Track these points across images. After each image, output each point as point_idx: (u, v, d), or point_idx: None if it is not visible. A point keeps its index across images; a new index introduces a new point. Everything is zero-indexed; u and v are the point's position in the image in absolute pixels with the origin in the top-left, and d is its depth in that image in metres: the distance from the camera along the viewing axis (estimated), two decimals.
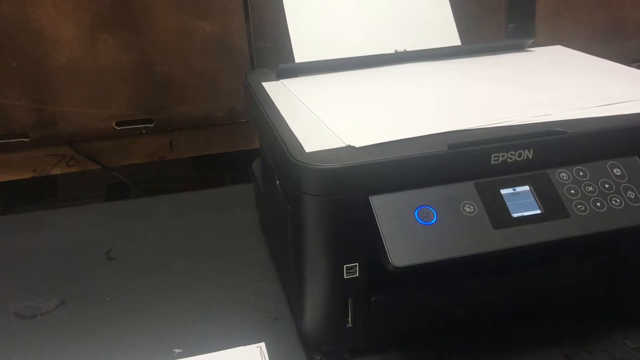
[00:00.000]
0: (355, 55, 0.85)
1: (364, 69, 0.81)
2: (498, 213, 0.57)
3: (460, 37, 0.92)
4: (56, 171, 1.11)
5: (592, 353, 0.65)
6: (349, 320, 0.63)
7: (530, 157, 0.59)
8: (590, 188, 0.60)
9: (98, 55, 1.03)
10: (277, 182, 0.66)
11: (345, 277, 0.59)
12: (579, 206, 0.59)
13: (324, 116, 0.65)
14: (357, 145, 0.57)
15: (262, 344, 0.69)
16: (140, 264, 0.88)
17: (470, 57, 0.85)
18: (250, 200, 1.00)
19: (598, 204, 0.59)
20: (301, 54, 0.84)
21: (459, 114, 0.64)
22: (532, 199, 0.58)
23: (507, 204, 0.58)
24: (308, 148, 0.57)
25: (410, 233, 0.55)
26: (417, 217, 0.56)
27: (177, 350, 0.70)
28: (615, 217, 0.59)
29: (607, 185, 0.60)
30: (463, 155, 0.57)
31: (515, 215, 0.58)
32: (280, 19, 0.86)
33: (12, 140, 1.05)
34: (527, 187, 0.59)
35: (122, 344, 0.71)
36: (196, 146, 1.16)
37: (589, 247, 0.66)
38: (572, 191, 0.59)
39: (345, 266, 0.59)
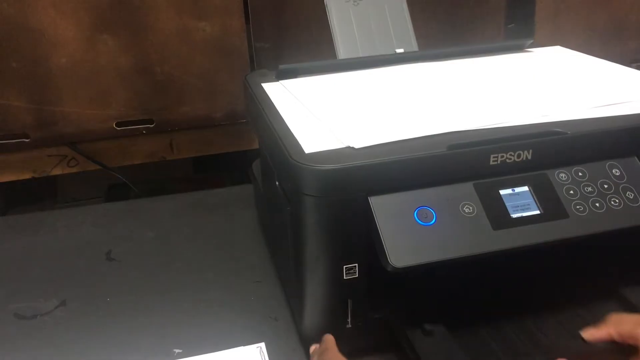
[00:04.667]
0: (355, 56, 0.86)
1: (364, 70, 0.81)
2: (497, 214, 0.57)
3: (459, 37, 0.92)
4: (56, 172, 1.11)
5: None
6: (349, 320, 0.63)
7: (529, 157, 0.59)
8: (589, 188, 0.60)
9: (98, 55, 1.03)
10: (277, 183, 0.66)
11: (344, 277, 0.59)
12: (578, 207, 0.59)
13: (323, 117, 0.65)
14: (357, 146, 0.57)
15: (262, 344, 0.69)
16: (140, 265, 0.88)
17: (469, 57, 0.85)
18: (249, 201, 1.00)
19: (597, 204, 0.59)
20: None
21: (458, 114, 0.64)
22: (531, 200, 0.59)
23: (506, 204, 0.58)
24: (308, 149, 0.57)
25: (409, 234, 0.55)
26: (416, 217, 0.56)
27: (177, 351, 0.70)
28: (614, 217, 0.59)
29: (606, 186, 0.60)
30: (462, 155, 0.57)
31: (514, 215, 0.58)
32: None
33: (13, 141, 1.05)
34: (526, 188, 0.59)
35: (122, 344, 0.72)
36: (196, 147, 1.16)
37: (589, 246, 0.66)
38: (571, 192, 0.59)
39: (344, 267, 0.59)
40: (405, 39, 0.90)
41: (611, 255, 0.69)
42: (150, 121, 1.09)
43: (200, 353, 0.68)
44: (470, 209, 0.57)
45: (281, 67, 0.80)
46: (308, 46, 1.10)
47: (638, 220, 0.59)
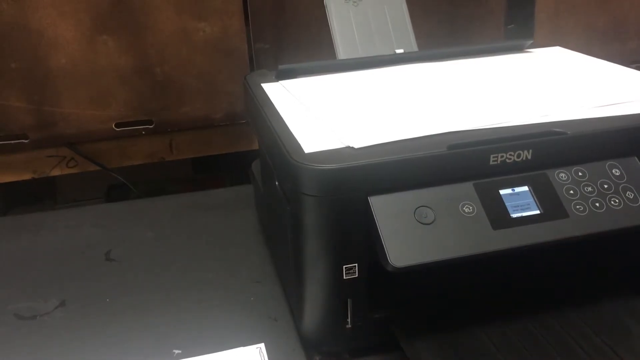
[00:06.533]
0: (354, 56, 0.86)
1: (363, 70, 0.81)
2: (497, 213, 0.57)
3: (459, 37, 0.92)
4: (56, 172, 1.11)
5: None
6: (349, 320, 0.63)
7: (529, 157, 0.59)
8: (589, 188, 0.60)
9: (98, 56, 1.03)
10: (277, 183, 0.66)
11: (344, 277, 0.59)
12: (578, 206, 0.59)
13: (323, 117, 0.65)
14: (356, 145, 0.57)
15: (262, 345, 0.69)
16: (140, 265, 0.88)
17: (469, 58, 0.85)
18: (249, 201, 1.00)
19: (597, 204, 0.59)
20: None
21: (458, 114, 0.64)
22: (531, 200, 0.59)
23: (506, 204, 0.58)
24: (307, 149, 0.57)
25: (409, 233, 0.55)
26: (416, 217, 0.56)
27: (176, 351, 0.70)
28: (614, 217, 0.59)
29: (606, 186, 0.60)
30: (462, 155, 0.57)
31: (514, 215, 0.58)
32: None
33: (12, 142, 1.05)
34: (526, 188, 0.59)
35: (121, 345, 0.71)
36: (196, 147, 1.16)
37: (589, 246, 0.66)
38: (571, 191, 0.59)
39: (344, 267, 0.59)
40: (405, 40, 0.90)
41: (611, 255, 0.69)
42: (150, 122, 1.09)
43: (199, 353, 0.68)
44: (470, 209, 0.57)
45: (281, 67, 0.80)
46: (308, 46, 1.10)
47: (638, 220, 0.59)
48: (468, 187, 0.58)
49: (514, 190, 0.59)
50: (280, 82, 0.79)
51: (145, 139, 1.12)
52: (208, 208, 1.04)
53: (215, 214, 1.01)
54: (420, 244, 0.55)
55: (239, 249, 0.91)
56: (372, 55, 0.86)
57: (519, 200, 0.58)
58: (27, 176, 1.10)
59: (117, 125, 1.08)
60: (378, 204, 0.56)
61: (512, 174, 0.59)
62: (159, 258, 0.89)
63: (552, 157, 0.60)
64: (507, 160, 0.58)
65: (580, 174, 0.60)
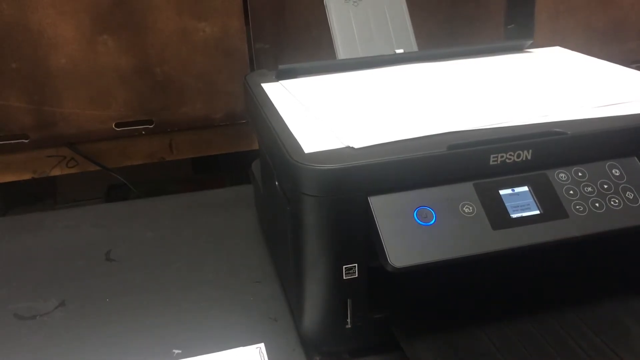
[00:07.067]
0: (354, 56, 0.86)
1: (363, 70, 0.81)
2: (497, 214, 0.57)
3: (459, 37, 0.92)
4: (56, 172, 1.11)
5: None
6: (348, 320, 0.63)
7: (529, 157, 0.59)
8: (589, 189, 0.60)
9: (98, 56, 1.03)
10: (277, 183, 0.66)
11: (344, 277, 0.59)
12: (577, 207, 0.59)
13: (323, 117, 0.65)
14: (356, 145, 0.57)
15: (262, 345, 0.69)
16: (140, 265, 0.88)
17: (469, 58, 0.85)
18: (249, 201, 1.00)
19: (597, 204, 0.59)
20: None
21: (458, 114, 0.64)
22: (531, 200, 0.59)
23: (506, 204, 0.58)
24: (307, 149, 0.57)
25: (409, 234, 0.55)
26: (416, 217, 0.56)
27: (176, 351, 0.70)
28: (614, 217, 0.59)
29: (605, 186, 0.60)
30: (462, 156, 0.57)
31: (514, 215, 0.58)
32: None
33: (12, 142, 1.05)
34: (526, 188, 0.59)
35: (121, 345, 0.71)
36: (196, 147, 1.16)
37: (589, 246, 0.66)
38: (571, 192, 0.59)
39: (344, 267, 0.59)
40: (405, 40, 0.90)
41: (611, 255, 0.69)
42: (150, 122, 1.09)
43: (199, 353, 0.68)
44: (470, 209, 0.57)
45: (281, 67, 0.80)
46: (308, 47, 1.10)
47: (638, 220, 0.59)
48: (468, 187, 0.58)
49: (513, 190, 0.59)
50: (280, 82, 0.79)
51: (145, 139, 1.12)
52: (208, 208, 1.04)
53: (215, 214, 1.01)
54: (420, 244, 0.55)
55: (239, 249, 0.91)
56: (372, 55, 0.86)
57: (519, 200, 0.58)
58: (27, 176, 1.11)
59: (117, 125, 1.08)
60: (378, 204, 0.56)
61: (512, 174, 0.59)
62: (159, 258, 0.89)
63: (552, 157, 0.60)
64: (507, 161, 0.58)
65: (580, 174, 0.60)
